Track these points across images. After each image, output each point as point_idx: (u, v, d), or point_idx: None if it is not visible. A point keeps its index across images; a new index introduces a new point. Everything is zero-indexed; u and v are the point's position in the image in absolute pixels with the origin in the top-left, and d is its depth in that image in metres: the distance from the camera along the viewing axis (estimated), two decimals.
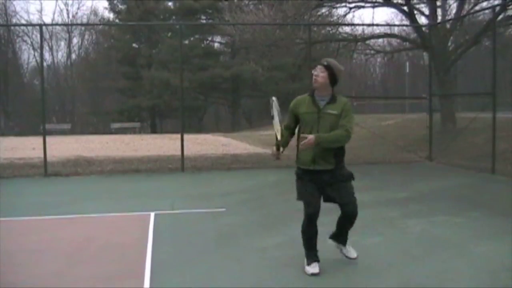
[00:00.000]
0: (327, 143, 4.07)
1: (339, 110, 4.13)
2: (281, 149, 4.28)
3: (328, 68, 4.14)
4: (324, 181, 4.16)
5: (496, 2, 13.42)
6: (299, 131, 4.28)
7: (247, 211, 6.78)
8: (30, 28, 36.28)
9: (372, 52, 17.17)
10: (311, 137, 4.03)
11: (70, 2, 63.99)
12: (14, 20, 37.81)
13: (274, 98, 4.32)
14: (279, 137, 4.24)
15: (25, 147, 15.61)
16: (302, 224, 4.25)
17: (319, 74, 4.16)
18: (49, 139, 11.40)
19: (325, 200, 4.23)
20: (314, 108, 4.17)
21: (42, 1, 64.03)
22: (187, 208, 6.97)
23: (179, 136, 11.42)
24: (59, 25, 45.30)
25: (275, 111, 4.26)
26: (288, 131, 4.36)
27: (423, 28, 14.46)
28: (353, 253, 4.44)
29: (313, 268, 4.18)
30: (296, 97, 4.37)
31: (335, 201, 4.20)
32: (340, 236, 4.42)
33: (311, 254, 4.26)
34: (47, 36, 37.80)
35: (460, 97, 22.27)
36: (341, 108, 4.14)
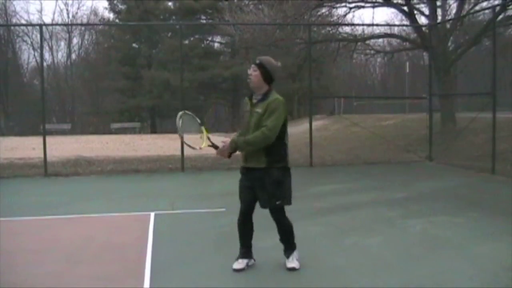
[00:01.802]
0: (244, 147, 4.00)
1: (263, 109, 3.95)
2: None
3: (260, 66, 4.02)
4: (256, 179, 4.10)
5: (496, 2, 13.43)
6: None
7: None
8: (30, 28, 36.33)
9: (372, 52, 17.17)
10: (227, 144, 4.07)
11: (70, 2, 64.09)
12: (14, 20, 37.85)
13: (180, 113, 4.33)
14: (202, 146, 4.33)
15: (25, 147, 15.62)
16: (237, 219, 4.33)
17: (252, 73, 4.03)
18: (49, 139, 11.40)
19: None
20: (250, 106, 4.08)
21: (42, 1, 64.09)
22: (187, 208, 6.97)
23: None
24: (59, 25, 45.34)
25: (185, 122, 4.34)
26: None
27: (423, 28, 14.46)
28: (291, 264, 4.29)
29: (237, 264, 4.25)
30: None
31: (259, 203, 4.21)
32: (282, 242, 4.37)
33: (241, 251, 4.33)
34: (47, 36, 37.84)
35: (460, 97, 22.26)
36: (265, 106, 3.94)
